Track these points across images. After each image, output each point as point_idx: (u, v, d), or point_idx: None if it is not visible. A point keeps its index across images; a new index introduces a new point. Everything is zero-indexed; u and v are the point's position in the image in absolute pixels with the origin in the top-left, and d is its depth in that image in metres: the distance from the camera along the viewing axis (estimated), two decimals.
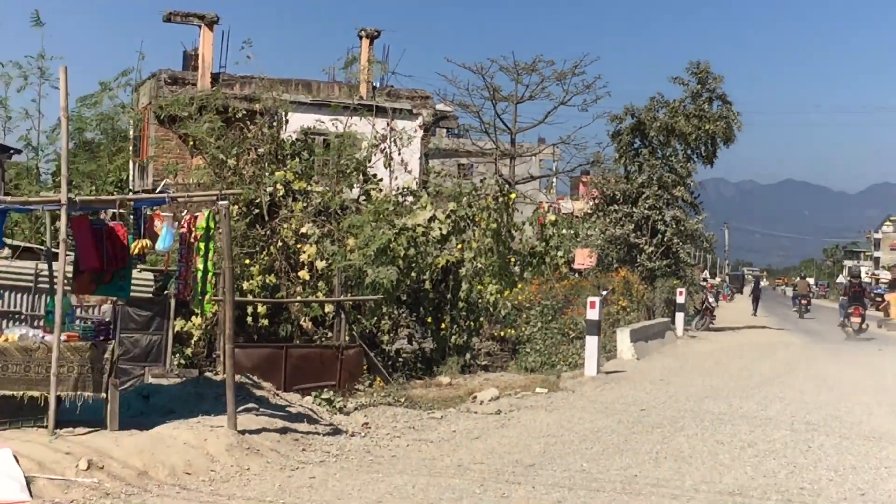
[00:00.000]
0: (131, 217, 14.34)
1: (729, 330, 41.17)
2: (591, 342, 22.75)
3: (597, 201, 40.97)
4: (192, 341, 22.00)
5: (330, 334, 22.30)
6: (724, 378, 23.26)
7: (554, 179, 58.15)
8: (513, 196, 29.99)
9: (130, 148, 39.34)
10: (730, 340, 35.74)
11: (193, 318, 21.66)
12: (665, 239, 38.02)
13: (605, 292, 26.40)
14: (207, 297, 14.01)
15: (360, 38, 40.93)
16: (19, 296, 20.20)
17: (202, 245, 13.62)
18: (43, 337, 12.51)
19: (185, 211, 14.87)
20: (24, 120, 36.62)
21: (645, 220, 38.05)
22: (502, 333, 27.14)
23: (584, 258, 33.81)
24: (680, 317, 36.21)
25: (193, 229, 13.75)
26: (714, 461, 13.52)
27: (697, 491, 11.71)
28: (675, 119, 38.84)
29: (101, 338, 12.96)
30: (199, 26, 38.77)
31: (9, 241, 21.22)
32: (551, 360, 25.00)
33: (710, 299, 42.53)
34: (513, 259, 29.43)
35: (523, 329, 26.97)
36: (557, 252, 33.51)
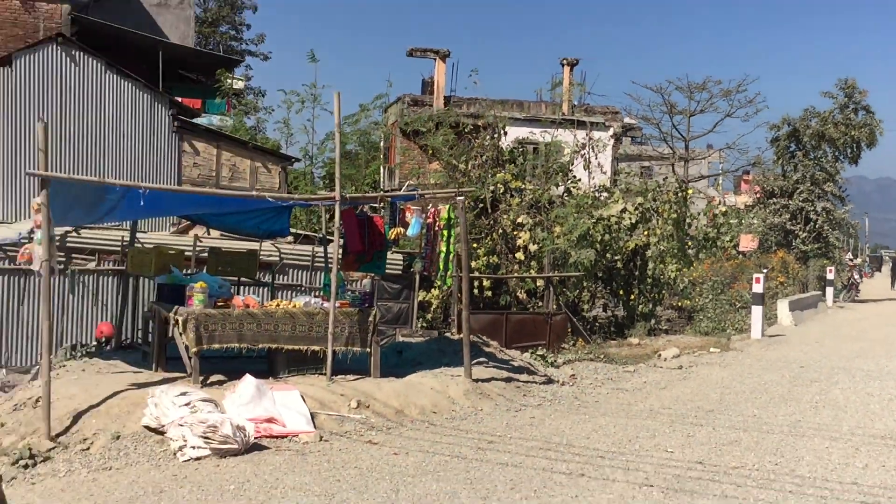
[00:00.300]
0: (382, 210, 14.62)
1: (871, 302, 39.47)
2: (756, 311, 22.57)
3: (758, 195, 40.29)
4: (432, 309, 22.25)
5: (540, 304, 22.29)
6: (870, 341, 22.39)
7: (721, 178, 56.88)
8: (689, 192, 29.48)
9: (381, 156, 40.13)
10: (872, 310, 34.28)
11: (432, 290, 21.92)
12: (816, 226, 37.37)
13: (765, 270, 25.71)
14: (449, 273, 14.19)
15: (563, 65, 40.71)
16: (300, 272, 20.89)
17: (445, 232, 13.78)
18: (321, 304, 12.85)
19: (430, 205, 15.00)
20: (302, 135, 37.68)
21: (799, 210, 37.48)
22: (680, 304, 26.71)
23: (747, 242, 33.21)
24: (830, 290, 35.12)
25: (437, 219, 13.94)
26: (866, 410, 13.04)
27: (853, 434, 11.28)
28: (825, 127, 38.07)
29: (366, 305, 13.22)
30: (434, 59, 39.29)
31: (292, 230, 21.94)
32: (721, 325, 24.47)
33: (856, 276, 41.01)
34: (689, 243, 29.01)
35: (697, 300, 26.57)
36: (726, 237, 33.18)
